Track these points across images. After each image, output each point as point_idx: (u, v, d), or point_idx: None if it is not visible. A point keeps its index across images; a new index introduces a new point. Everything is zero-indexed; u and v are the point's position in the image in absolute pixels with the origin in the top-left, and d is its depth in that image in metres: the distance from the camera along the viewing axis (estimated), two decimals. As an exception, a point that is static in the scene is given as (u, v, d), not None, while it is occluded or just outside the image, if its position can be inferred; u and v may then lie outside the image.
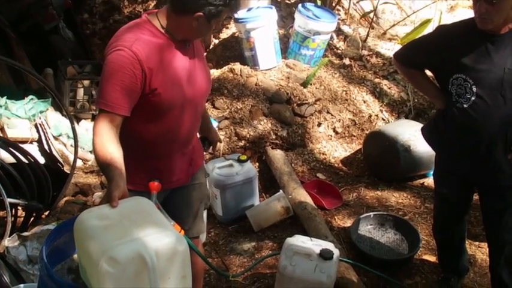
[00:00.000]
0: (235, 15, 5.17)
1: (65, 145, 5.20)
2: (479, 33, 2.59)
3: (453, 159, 2.94)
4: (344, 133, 5.26)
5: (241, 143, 4.65)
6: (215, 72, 5.36)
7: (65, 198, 4.39)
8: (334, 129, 5.21)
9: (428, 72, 2.98)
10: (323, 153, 5.01)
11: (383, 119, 5.45)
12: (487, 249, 3.74)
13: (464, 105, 2.68)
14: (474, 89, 2.63)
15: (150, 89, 2.23)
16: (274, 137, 4.79)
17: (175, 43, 2.30)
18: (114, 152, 2.09)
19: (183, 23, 2.24)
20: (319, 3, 5.82)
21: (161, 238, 1.76)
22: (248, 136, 4.67)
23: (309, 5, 5.45)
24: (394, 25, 6.83)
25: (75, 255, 2.53)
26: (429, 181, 4.68)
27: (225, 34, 5.86)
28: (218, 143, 3.03)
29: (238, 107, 4.85)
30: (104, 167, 2.07)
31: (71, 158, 4.75)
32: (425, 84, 2.97)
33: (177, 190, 2.63)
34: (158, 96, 2.26)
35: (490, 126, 2.66)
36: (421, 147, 4.49)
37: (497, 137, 2.69)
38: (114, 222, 1.82)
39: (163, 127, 2.39)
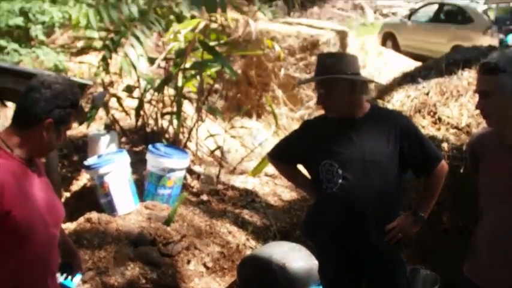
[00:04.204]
0: (86, 163, 5.00)
1: None
2: (340, 120, 2.74)
3: (331, 248, 2.92)
4: (215, 267, 5.07)
5: (110, 293, 4.26)
6: (70, 226, 5.00)
7: None
8: (204, 265, 5.01)
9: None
10: (197, 291, 4.76)
11: (251, 247, 5.38)
12: None
13: (334, 189, 2.74)
14: (340, 172, 2.71)
15: (4, 211, 1.98)
16: (144, 281, 4.46)
17: (22, 163, 2.12)
18: None
19: (32, 137, 2.11)
20: (165, 142, 5.90)
21: None
22: (116, 284, 4.30)
23: (159, 144, 5.49)
24: (241, 161, 7.06)
25: None
26: (310, 298, 4.60)
27: (76, 186, 5.61)
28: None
29: (101, 256, 4.50)
30: None
31: None
32: (298, 178, 3.07)
33: None
34: (13, 219, 2.00)
35: (359, 204, 2.72)
36: (296, 263, 4.46)
37: (368, 214, 2.75)
38: None
39: (27, 257, 2.09)
